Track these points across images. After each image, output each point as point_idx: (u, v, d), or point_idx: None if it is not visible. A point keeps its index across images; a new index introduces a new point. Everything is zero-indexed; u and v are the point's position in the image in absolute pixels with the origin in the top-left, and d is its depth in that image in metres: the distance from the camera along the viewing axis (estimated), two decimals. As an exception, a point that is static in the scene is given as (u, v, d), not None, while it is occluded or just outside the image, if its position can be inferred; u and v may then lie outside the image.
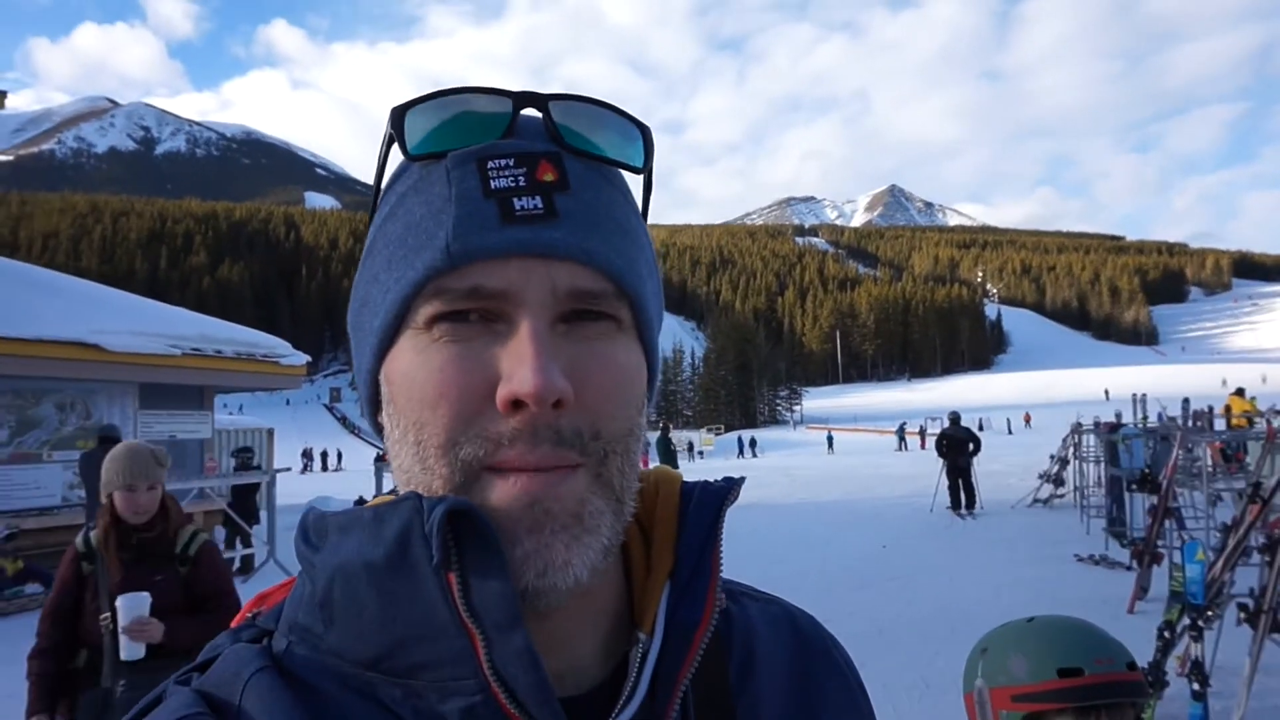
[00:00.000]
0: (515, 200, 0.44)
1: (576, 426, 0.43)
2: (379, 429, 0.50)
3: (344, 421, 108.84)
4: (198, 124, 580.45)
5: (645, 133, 0.49)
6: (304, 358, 14.15)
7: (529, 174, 0.44)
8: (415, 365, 0.44)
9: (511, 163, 0.44)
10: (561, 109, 0.47)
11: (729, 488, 0.53)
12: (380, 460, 13.28)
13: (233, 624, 0.51)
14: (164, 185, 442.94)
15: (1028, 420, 60.06)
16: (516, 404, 0.42)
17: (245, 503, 10.75)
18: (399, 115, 0.45)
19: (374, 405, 0.50)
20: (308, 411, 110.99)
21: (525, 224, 0.43)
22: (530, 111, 0.47)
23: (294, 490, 18.13)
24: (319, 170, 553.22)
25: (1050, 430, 25.11)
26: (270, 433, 18.23)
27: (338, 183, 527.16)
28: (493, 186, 0.44)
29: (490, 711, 0.41)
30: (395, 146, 0.46)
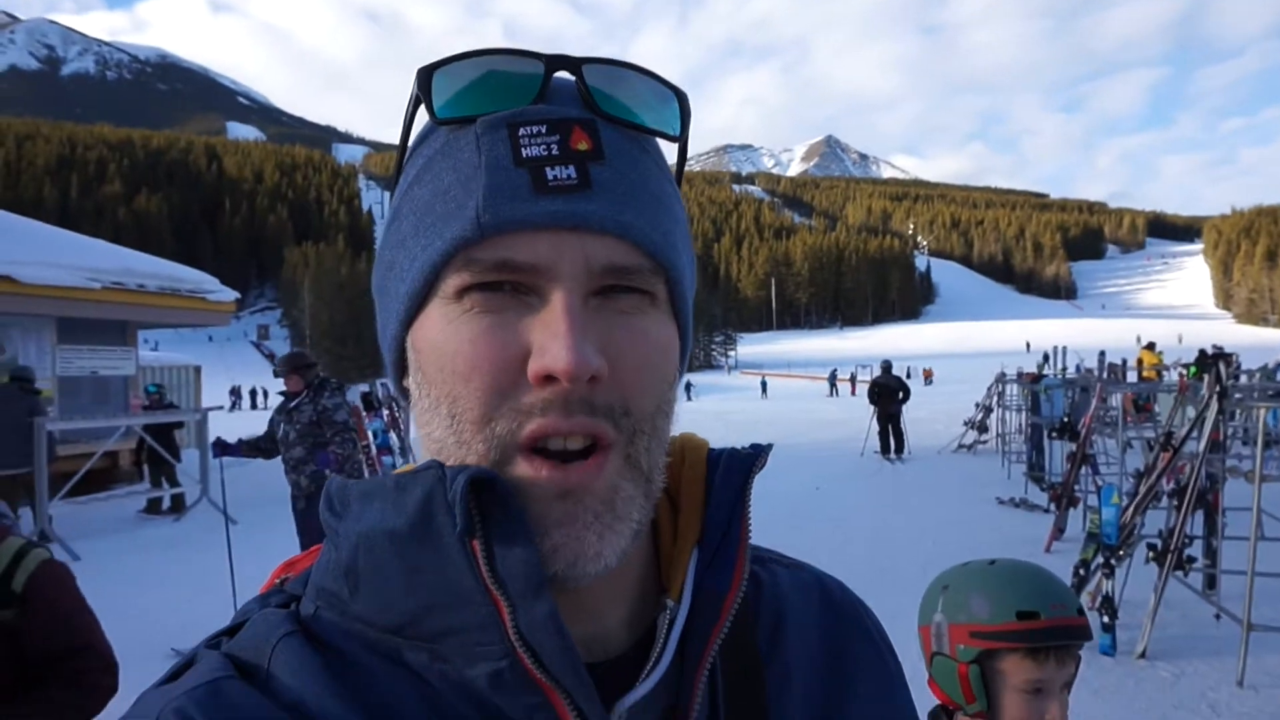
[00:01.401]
0: (548, 170, 0.42)
1: (609, 402, 0.43)
2: (405, 393, 0.49)
3: (271, 359, 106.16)
4: (108, 44, 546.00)
5: (682, 98, 0.48)
6: (233, 294, 13.71)
7: (562, 142, 0.43)
8: (446, 336, 0.43)
9: (544, 129, 0.43)
10: (595, 72, 0.45)
11: (756, 455, 0.52)
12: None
13: (261, 590, 0.52)
14: (72, 109, 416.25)
15: (928, 376, 54.18)
16: (548, 379, 0.41)
17: (166, 442, 10.32)
18: (426, 76, 0.44)
19: (399, 370, 0.49)
20: (233, 349, 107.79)
21: (558, 195, 0.42)
22: (561, 74, 0.45)
23: (224, 428, 17.65)
24: (241, 99, 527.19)
25: (975, 380, 25.98)
26: (197, 370, 17.69)
27: (261, 113, 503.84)
28: (524, 155, 0.42)
29: (517, 676, 0.41)
30: (422, 108, 0.45)
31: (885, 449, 13.95)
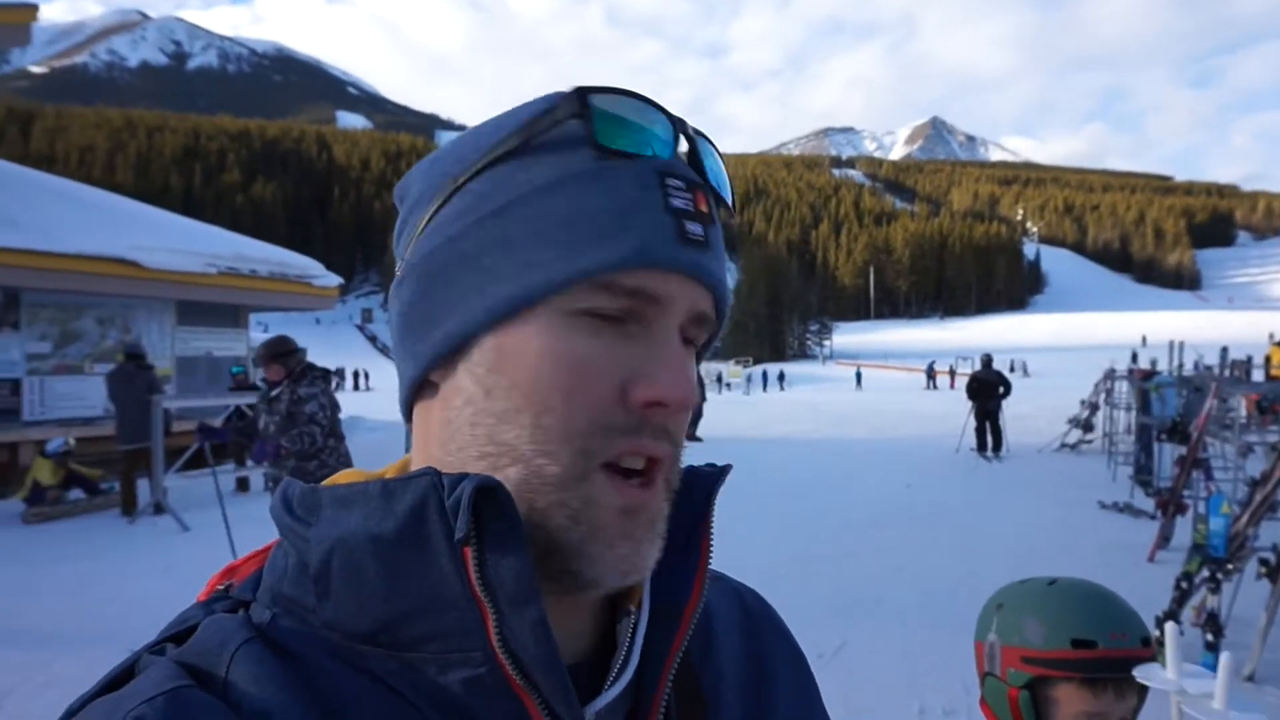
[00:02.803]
0: (688, 223, 0.46)
1: (676, 430, 0.48)
2: (433, 387, 0.50)
3: (374, 341, 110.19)
4: (229, 39, 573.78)
5: (732, 185, 0.54)
6: (337, 279, 14.28)
7: (693, 201, 0.47)
8: (554, 348, 0.45)
9: (683, 186, 0.47)
10: (702, 147, 0.50)
11: (718, 473, 0.55)
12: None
13: (199, 597, 0.50)
14: (196, 101, 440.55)
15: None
16: (653, 404, 0.45)
17: (250, 424, 10.61)
18: (585, 98, 0.46)
19: (444, 361, 0.48)
20: (337, 331, 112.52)
21: (694, 248, 0.46)
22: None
23: (327, 409, 18.44)
24: (350, 89, 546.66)
25: (1082, 376, 24.81)
26: (303, 352, 18.47)
27: (370, 102, 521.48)
28: (671, 204, 0.46)
29: (495, 682, 0.42)
30: (555, 114, 0.47)
31: (982, 446, 13.48)
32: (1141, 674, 1.23)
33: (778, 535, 7.50)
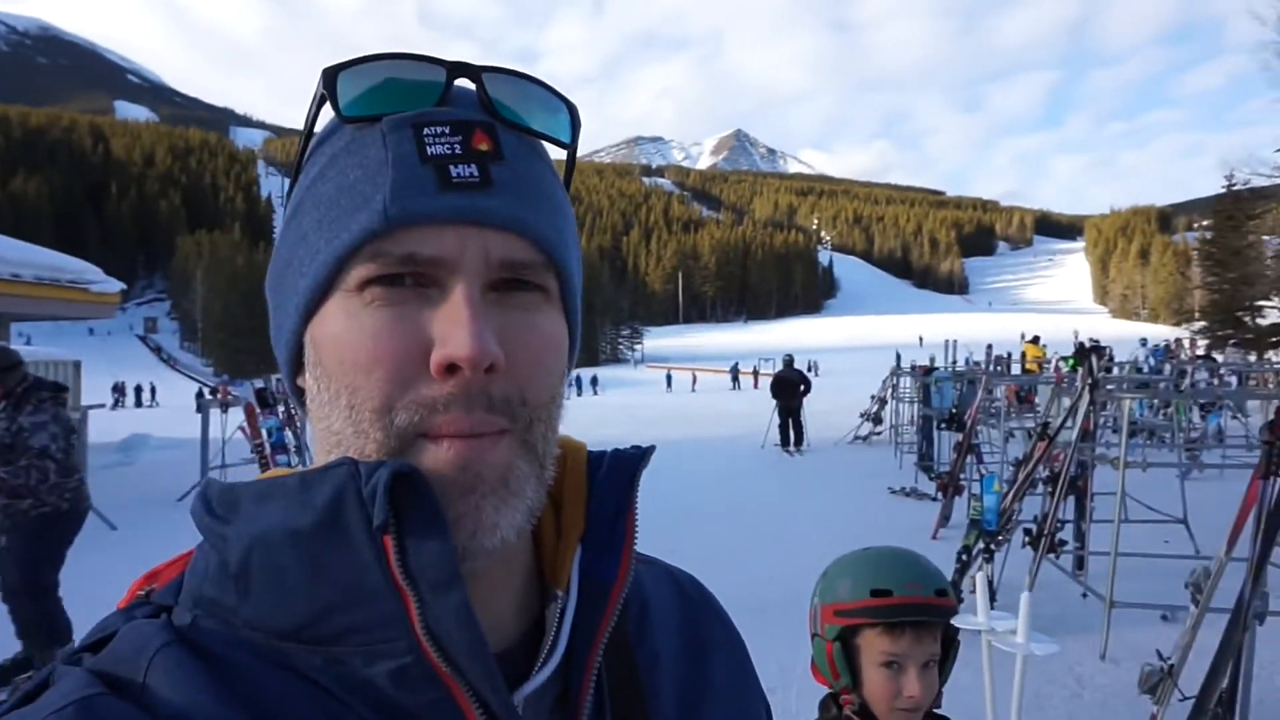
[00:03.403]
0: (452, 167, 0.44)
1: (506, 393, 0.44)
2: (299, 392, 0.50)
3: (159, 353, 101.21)
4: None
5: (572, 110, 0.50)
6: (118, 284, 13.00)
7: (464, 142, 0.45)
8: (347, 328, 0.44)
9: (448, 130, 0.45)
10: (494, 80, 0.47)
11: (641, 454, 0.55)
12: (204, 397, 12.41)
13: (120, 604, 0.49)
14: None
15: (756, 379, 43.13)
16: (450, 368, 0.42)
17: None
18: (332, 76, 0.46)
19: (293, 367, 0.50)
20: (116, 342, 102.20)
21: (462, 191, 0.44)
22: (462, 82, 0.47)
23: (107, 428, 16.81)
24: (131, 77, 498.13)
25: (872, 374, 26.85)
26: (77, 365, 16.69)
27: (154, 92, 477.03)
28: (429, 153, 0.44)
29: (421, 670, 0.42)
30: (326, 107, 0.46)
31: (785, 441, 14.30)
32: (959, 621, 1.40)
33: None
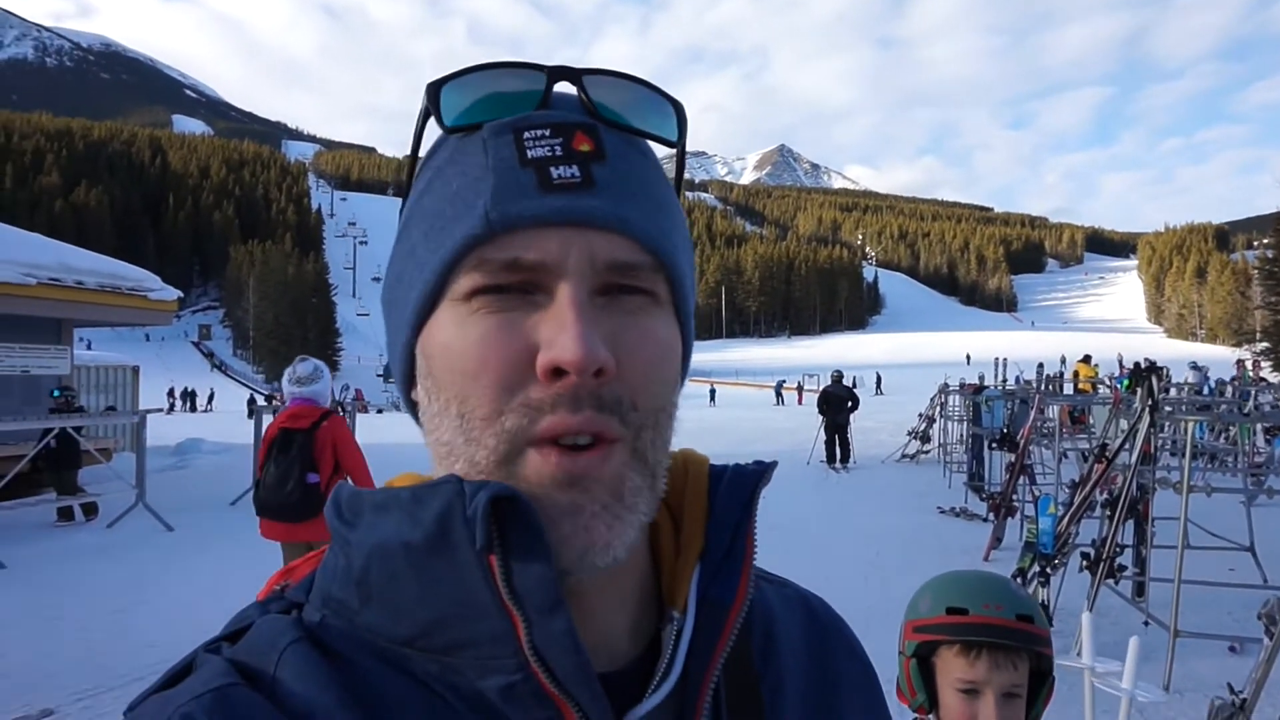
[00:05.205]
0: (552, 169, 0.44)
1: (617, 397, 0.43)
2: (413, 406, 0.50)
3: (211, 358, 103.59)
4: (48, 30, 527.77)
5: (678, 108, 0.49)
6: (175, 292, 13.38)
7: (565, 144, 0.45)
8: (455, 337, 0.44)
9: (548, 133, 0.45)
10: (595, 83, 0.47)
11: (762, 470, 0.54)
12: (256, 403, 12.65)
13: (259, 596, 0.51)
14: (8, 96, 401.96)
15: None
16: (557, 372, 0.42)
17: (68, 450, 9.38)
18: (435, 90, 0.46)
19: (408, 381, 0.50)
20: (172, 349, 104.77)
21: (563, 192, 0.43)
22: (564, 86, 0.47)
23: (163, 432, 17.24)
24: (189, 92, 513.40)
25: (919, 391, 26.48)
26: (135, 370, 17.17)
27: (210, 107, 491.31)
28: (530, 156, 0.44)
29: (530, 690, 0.42)
30: (432, 121, 0.47)
31: (831, 458, 14.15)
32: (1061, 658, 1.35)
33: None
